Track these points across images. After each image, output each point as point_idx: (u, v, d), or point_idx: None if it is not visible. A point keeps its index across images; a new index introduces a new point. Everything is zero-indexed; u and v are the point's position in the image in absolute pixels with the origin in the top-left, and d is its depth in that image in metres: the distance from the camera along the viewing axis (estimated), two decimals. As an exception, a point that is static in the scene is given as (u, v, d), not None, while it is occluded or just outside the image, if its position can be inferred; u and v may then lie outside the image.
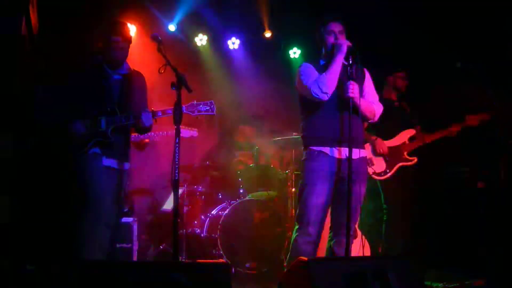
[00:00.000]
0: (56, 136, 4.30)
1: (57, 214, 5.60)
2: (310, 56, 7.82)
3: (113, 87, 4.39)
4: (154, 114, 4.27)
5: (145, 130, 4.50)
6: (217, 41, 7.98)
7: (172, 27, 7.40)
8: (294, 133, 6.33)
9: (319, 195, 4.06)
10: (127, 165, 4.45)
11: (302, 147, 4.29)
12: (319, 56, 4.30)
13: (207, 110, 4.31)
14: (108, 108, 4.26)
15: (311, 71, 4.17)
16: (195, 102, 4.29)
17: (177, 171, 3.57)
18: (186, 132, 5.66)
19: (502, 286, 4.48)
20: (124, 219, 5.57)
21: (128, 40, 4.38)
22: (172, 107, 3.81)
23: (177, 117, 3.65)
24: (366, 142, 5.07)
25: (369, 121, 4.37)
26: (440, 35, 6.55)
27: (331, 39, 4.18)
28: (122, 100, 4.38)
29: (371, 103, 4.29)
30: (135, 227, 5.74)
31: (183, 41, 7.69)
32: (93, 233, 4.13)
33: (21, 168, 4.61)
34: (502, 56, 5.97)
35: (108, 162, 4.30)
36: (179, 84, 3.65)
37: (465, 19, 6.24)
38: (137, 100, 4.48)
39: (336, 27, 4.18)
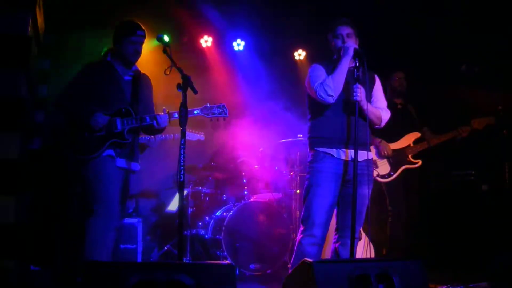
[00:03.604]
0: (71, 134, 4.24)
1: (64, 215, 5.63)
2: (315, 58, 7.84)
3: (125, 87, 4.37)
4: (170, 115, 4.28)
5: (158, 131, 4.48)
6: (222, 43, 7.99)
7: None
8: (299, 135, 6.34)
9: (324, 196, 4.06)
10: (137, 166, 4.43)
11: (308, 149, 4.29)
12: (330, 59, 4.30)
13: (220, 113, 4.38)
14: (123, 109, 4.24)
15: (320, 73, 4.17)
16: (208, 104, 4.35)
17: (182, 173, 3.57)
18: (193, 136, 5.70)
19: (507, 289, 4.47)
20: (129, 220, 5.59)
21: (144, 40, 4.39)
22: (188, 109, 3.87)
23: (183, 119, 3.65)
24: (371, 145, 5.08)
25: (375, 127, 4.37)
26: (446, 37, 6.55)
27: (339, 43, 4.18)
28: (133, 101, 4.37)
29: (378, 108, 4.28)
30: (140, 228, 5.76)
31: (189, 42, 7.71)
32: (102, 235, 4.11)
33: (28, 168, 4.61)
34: (508, 59, 5.96)
35: (121, 163, 4.26)
36: (185, 85, 3.66)
37: (469, 22, 6.24)
38: (146, 101, 4.48)
39: (344, 30, 4.17)
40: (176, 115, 4.25)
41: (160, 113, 4.30)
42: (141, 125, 4.28)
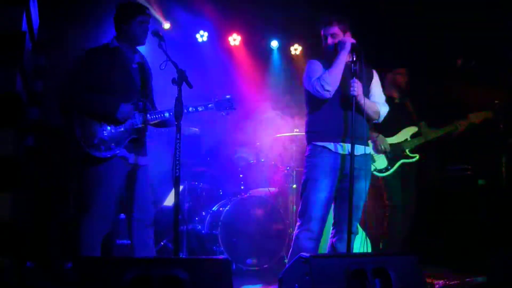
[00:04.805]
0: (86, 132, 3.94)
1: (61, 211, 5.61)
2: (312, 52, 7.83)
3: (134, 75, 4.15)
4: (186, 109, 4.09)
5: (172, 125, 4.26)
6: (218, 37, 7.97)
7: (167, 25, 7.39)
8: (295, 129, 6.33)
9: (322, 190, 4.06)
10: (147, 160, 4.25)
11: (306, 143, 4.29)
12: (327, 54, 4.29)
13: (230, 107, 4.31)
14: (140, 102, 4.07)
15: (317, 68, 4.18)
16: (218, 98, 4.28)
17: (178, 167, 3.55)
18: (188, 130, 5.68)
19: (503, 284, 4.47)
20: (124, 216, 5.57)
21: (150, 19, 4.20)
22: (202, 103, 3.95)
23: (178, 114, 3.62)
24: (368, 139, 5.08)
25: (373, 121, 4.37)
26: (443, 32, 6.54)
27: (330, 40, 4.19)
28: (143, 91, 4.17)
29: (375, 103, 4.28)
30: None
31: (184, 37, 7.69)
32: (95, 237, 3.97)
33: (24, 165, 4.57)
34: (504, 54, 5.96)
35: (137, 159, 4.10)
36: (180, 79, 3.63)
37: (468, 17, 6.23)
38: (150, 90, 4.31)
39: (338, 26, 4.17)
40: (191, 109, 4.15)
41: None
42: (159, 119, 4.12)
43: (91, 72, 3.98)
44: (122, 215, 5.55)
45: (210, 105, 4.27)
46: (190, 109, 4.17)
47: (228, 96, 4.34)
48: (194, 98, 4.34)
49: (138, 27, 4.11)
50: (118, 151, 3.96)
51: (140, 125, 4.05)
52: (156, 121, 4.14)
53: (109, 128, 3.97)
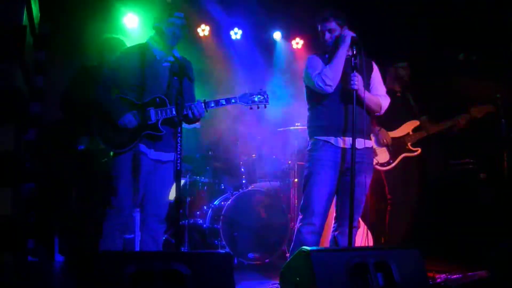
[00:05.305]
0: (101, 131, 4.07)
1: (64, 206, 5.62)
2: (313, 46, 7.82)
3: (162, 74, 4.16)
4: (206, 105, 4.07)
5: (194, 121, 4.27)
6: (219, 32, 7.95)
7: None
8: (296, 123, 6.32)
9: (323, 184, 4.06)
10: (171, 156, 4.20)
11: (308, 138, 4.29)
12: (326, 49, 4.27)
13: (261, 101, 4.18)
14: (157, 99, 4.06)
15: (317, 64, 4.18)
16: (248, 92, 4.18)
17: (179, 161, 3.55)
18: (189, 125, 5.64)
19: (504, 278, 4.47)
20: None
21: (183, 23, 4.16)
22: (224, 97, 3.93)
23: (180, 108, 3.61)
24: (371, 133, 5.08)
25: (376, 114, 4.36)
26: (444, 27, 6.53)
27: (327, 36, 4.19)
28: (170, 89, 4.15)
29: (376, 95, 4.27)
30: (138, 217, 5.74)
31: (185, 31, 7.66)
32: (114, 228, 4.03)
33: (25, 160, 4.57)
34: (506, 48, 5.94)
35: (155, 155, 4.10)
36: (181, 73, 3.62)
37: (469, 11, 6.21)
38: (186, 89, 4.15)
39: (335, 21, 4.16)
40: (213, 104, 4.09)
41: (195, 103, 4.08)
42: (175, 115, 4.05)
43: (119, 71, 4.09)
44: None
45: (233, 100, 4.17)
46: (212, 104, 4.11)
47: (261, 90, 4.22)
48: (197, 93, 4.33)
49: (171, 27, 4.09)
50: (132, 146, 4.01)
51: (153, 121, 4.04)
52: (169, 117, 4.08)
53: (124, 125, 4.01)
